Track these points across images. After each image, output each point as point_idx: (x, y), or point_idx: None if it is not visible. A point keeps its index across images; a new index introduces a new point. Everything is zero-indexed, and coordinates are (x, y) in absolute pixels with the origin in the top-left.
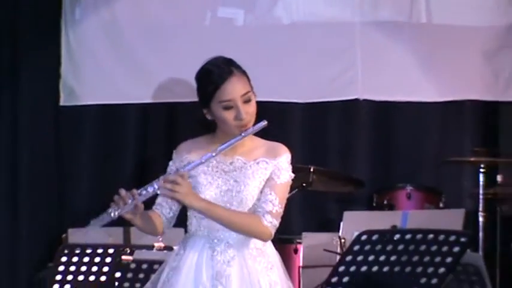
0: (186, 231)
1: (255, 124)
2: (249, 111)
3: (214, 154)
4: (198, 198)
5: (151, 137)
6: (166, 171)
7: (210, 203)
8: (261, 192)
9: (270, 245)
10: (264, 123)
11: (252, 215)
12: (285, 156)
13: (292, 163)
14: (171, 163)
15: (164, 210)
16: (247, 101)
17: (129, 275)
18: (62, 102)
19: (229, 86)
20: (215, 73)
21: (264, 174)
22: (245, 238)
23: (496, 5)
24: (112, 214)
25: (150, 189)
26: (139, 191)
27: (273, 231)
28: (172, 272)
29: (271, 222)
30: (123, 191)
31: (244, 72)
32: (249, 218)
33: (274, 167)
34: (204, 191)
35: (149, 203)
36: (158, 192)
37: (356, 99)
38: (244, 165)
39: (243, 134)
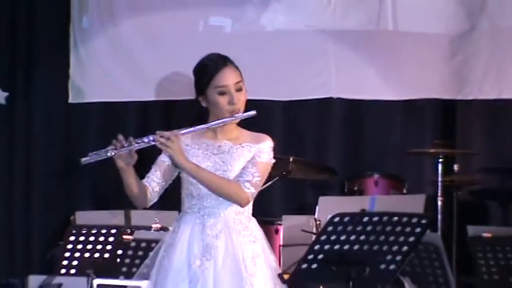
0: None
1: (245, 112)
2: (241, 98)
3: (206, 126)
4: (186, 158)
5: (150, 130)
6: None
7: (197, 165)
8: (243, 167)
9: (253, 221)
10: (253, 112)
11: (233, 182)
12: (267, 142)
13: (274, 153)
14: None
15: (152, 183)
16: (239, 90)
17: (130, 253)
18: (70, 100)
19: (224, 74)
20: (211, 65)
21: (247, 157)
22: (232, 214)
23: (453, 15)
24: (109, 153)
25: (145, 140)
26: (136, 140)
27: (250, 198)
28: (168, 248)
29: (249, 189)
30: (120, 136)
31: (236, 67)
32: (230, 183)
33: (256, 150)
34: None
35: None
36: (152, 143)
37: (330, 98)
38: (231, 149)
39: (235, 116)
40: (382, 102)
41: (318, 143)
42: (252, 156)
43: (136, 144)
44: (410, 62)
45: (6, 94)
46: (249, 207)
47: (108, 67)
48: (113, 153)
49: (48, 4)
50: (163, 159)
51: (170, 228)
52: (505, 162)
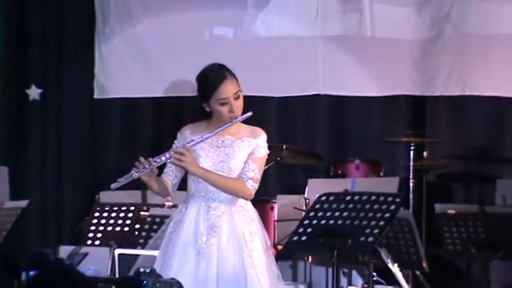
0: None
1: (243, 114)
2: (238, 105)
3: (212, 134)
4: (198, 166)
5: (163, 121)
6: (171, 147)
7: (207, 171)
8: (245, 162)
9: (249, 204)
10: (249, 113)
11: (238, 180)
12: (262, 137)
13: (268, 142)
14: (175, 141)
15: (170, 177)
16: (237, 98)
17: (146, 227)
18: (95, 96)
19: (224, 87)
20: (212, 77)
21: (247, 150)
22: (232, 197)
23: (421, 22)
24: (133, 175)
25: (163, 158)
26: (154, 159)
27: (253, 192)
28: (177, 224)
29: (252, 186)
30: (141, 158)
31: (234, 75)
32: (236, 182)
33: (255, 145)
34: (202, 162)
35: (159, 173)
36: (169, 160)
37: (317, 94)
38: (233, 143)
39: (234, 121)
40: (362, 98)
41: (307, 133)
42: (252, 151)
43: (154, 163)
44: (386, 63)
45: (40, 91)
46: None
47: (127, 67)
48: (137, 175)
49: (76, 10)
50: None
51: (179, 205)
52: (467, 149)
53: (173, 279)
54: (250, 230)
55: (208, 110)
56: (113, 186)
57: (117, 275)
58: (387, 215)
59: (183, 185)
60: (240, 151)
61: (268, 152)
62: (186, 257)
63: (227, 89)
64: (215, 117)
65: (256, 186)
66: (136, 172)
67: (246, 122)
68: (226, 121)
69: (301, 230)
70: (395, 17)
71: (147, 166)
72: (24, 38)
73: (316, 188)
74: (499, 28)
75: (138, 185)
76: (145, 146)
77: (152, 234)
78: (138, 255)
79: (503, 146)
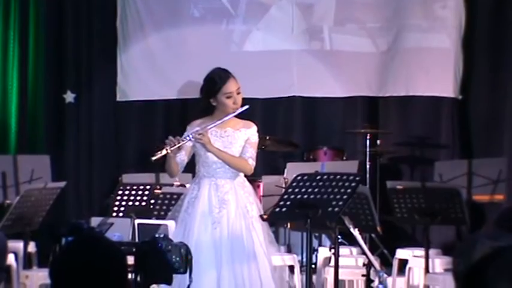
0: (193, 176)
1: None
2: (240, 99)
3: (221, 121)
4: (213, 145)
5: (172, 118)
6: (182, 136)
7: (219, 149)
8: (243, 147)
9: (246, 181)
10: (247, 106)
11: (241, 158)
12: (254, 127)
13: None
14: (186, 132)
15: (179, 160)
16: (238, 93)
17: (159, 202)
18: (117, 99)
19: (230, 84)
20: (221, 76)
21: (244, 137)
22: (234, 176)
23: (374, 38)
24: (166, 150)
25: (187, 137)
26: (181, 138)
27: (252, 168)
28: (192, 200)
29: (251, 163)
30: (171, 137)
31: (234, 77)
32: (240, 160)
33: (249, 134)
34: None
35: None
36: (191, 139)
37: (293, 96)
38: (232, 133)
39: (236, 112)
40: (328, 98)
41: (285, 126)
42: (247, 138)
43: (182, 141)
44: (346, 70)
45: (74, 95)
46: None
47: (143, 75)
48: (169, 150)
49: (102, 28)
50: (186, 144)
51: (187, 185)
52: (411, 138)
53: (181, 242)
54: (249, 201)
55: (215, 104)
56: (153, 159)
57: (136, 240)
58: (349, 190)
59: (187, 169)
60: (239, 139)
61: (257, 139)
62: (205, 226)
63: (232, 85)
64: (219, 110)
65: (254, 163)
66: (169, 148)
67: (240, 117)
68: (230, 112)
69: (281, 203)
70: (353, 36)
71: (176, 143)
72: (60, 52)
73: (293, 170)
74: (432, 43)
75: (152, 168)
76: (158, 138)
77: (164, 207)
78: (153, 224)
79: (438, 135)
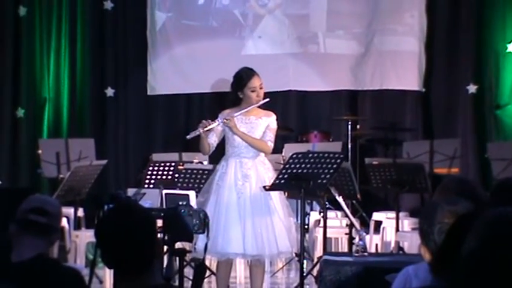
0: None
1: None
2: (262, 93)
3: (246, 110)
4: (238, 129)
5: (192, 108)
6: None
7: (243, 132)
8: (264, 132)
9: (266, 159)
10: (267, 99)
11: (262, 140)
12: (274, 116)
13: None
14: (218, 117)
15: (211, 141)
16: (261, 88)
17: (181, 176)
18: (148, 93)
19: (254, 80)
20: (247, 73)
21: (265, 124)
22: (256, 155)
23: (357, 44)
24: (199, 130)
25: (216, 121)
26: (213, 121)
27: (271, 149)
28: (223, 174)
29: (270, 144)
30: (204, 120)
31: (258, 75)
32: (261, 141)
33: (269, 121)
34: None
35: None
36: (221, 123)
37: (289, 90)
38: (255, 121)
39: (258, 103)
40: (318, 92)
41: (283, 114)
42: (267, 125)
43: (213, 123)
44: (333, 69)
45: (113, 90)
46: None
47: (168, 74)
48: (202, 131)
49: (136, 37)
50: (217, 127)
51: (204, 162)
52: (384, 123)
53: (200, 208)
54: (268, 176)
55: (241, 97)
56: (188, 136)
57: (164, 207)
58: (335, 166)
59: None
60: (260, 125)
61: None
62: (231, 195)
63: (256, 81)
64: (245, 102)
65: (272, 145)
66: (202, 128)
67: (261, 108)
68: (253, 103)
69: (280, 176)
70: (340, 41)
71: (207, 125)
72: (103, 56)
73: (289, 149)
74: (401, 46)
75: (177, 148)
76: (181, 123)
77: (186, 180)
78: (177, 194)
79: (406, 121)
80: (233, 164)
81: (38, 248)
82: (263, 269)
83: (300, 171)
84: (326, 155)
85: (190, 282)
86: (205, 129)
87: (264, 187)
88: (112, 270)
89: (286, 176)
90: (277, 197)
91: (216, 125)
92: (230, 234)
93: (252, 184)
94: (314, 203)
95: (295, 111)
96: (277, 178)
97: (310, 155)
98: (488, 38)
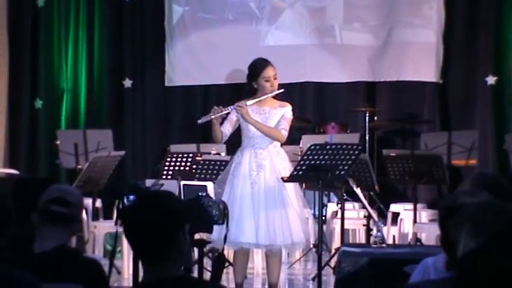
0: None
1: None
2: (276, 83)
3: (260, 99)
4: (251, 117)
5: (209, 99)
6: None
7: (256, 121)
8: (278, 121)
9: (282, 149)
10: (282, 90)
11: (276, 129)
12: (289, 107)
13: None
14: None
15: (225, 130)
16: (275, 78)
17: (199, 167)
18: (166, 84)
19: (268, 70)
20: (261, 63)
21: (279, 115)
22: (271, 145)
23: (374, 36)
24: (210, 116)
25: (229, 108)
26: (225, 107)
27: (285, 137)
28: (237, 164)
29: (284, 133)
30: (216, 106)
31: (273, 65)
32: (275, 130)
33: (284, 111)
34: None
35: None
36: (234, 109)
37: (307, 81)
38: (270, 111)
39: (272, 94)
40: (335, 83)
41: (300, 105)
42: (282, 115)
43: (225, 110)
44: (351, 61)
45: (131, 81)
46: (279, 143)
47: (185, 65)
48: (213, 117)
49: (154, 28)
50: (231, 117)
51: (222, 153)
52: (401, 115)
53: (219, 199)
54: (283, 166)
55: (256, 87)
56: (199, 121)
57: (182, 198)
58: (352, 157)
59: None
60: (275, 116)
61: (292, 117)
62: (245, 185)
63: (270, 71)
64: (259, 92)
65: (287, 134)
66: (214, 114)
67: (277, 98)
68: (267, 93)
69: (298, 167)
70: (357, 32)
71: (219, 111)
72: (120, 48)
73: (307, 141)
74: (419, 37)
75: (194, 140)
76: (198, 114)
77: (204, 171)
78: (195, 185)
79: (424, 112)
80: (248, 154)
81: (60, 238)
82: (279, 259)
83: (318, 162)
84: (344, 146)
85: (208, 273)
86: (218, 114)
87: (282, 178)
88: (130, 261)
89: (304, 167)
90: (291, 188)
91: (228, 112)
92: (243, 224)
93: (266, 174)
94: (332, 194)
95: (312, 103)
96: (295, 169)
97: (328, 147)
98: (508, 30)
